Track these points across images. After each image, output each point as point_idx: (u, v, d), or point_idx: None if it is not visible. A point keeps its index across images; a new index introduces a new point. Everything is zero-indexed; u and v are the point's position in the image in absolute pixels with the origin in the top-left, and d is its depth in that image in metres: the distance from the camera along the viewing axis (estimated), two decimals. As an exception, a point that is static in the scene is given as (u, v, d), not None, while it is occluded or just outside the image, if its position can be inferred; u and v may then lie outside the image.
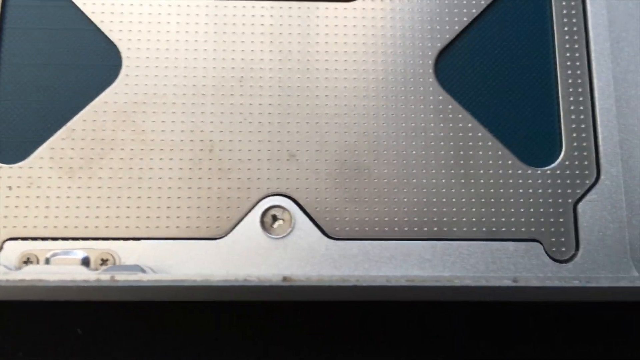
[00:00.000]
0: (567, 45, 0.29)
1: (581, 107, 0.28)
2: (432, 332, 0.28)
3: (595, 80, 0.28)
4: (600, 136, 0.28)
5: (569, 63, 0.29)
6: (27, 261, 0.26)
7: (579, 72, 0.29)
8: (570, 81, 0.29)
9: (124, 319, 0.28)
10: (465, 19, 0.29)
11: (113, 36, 0.28)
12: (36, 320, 0.28)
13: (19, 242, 0.26)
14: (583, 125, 0.28)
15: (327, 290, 0.24)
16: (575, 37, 0.29)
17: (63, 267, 0.26)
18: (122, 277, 0.24)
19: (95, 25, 0.29)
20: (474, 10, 0.29)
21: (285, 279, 0.24)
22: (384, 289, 0.24)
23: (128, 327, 0.28)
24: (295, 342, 0.28)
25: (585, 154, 0.28)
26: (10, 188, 0.27)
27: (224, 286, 0.24)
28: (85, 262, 0.26)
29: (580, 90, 0.28)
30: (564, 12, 0.29)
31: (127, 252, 0.27)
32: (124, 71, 0.28)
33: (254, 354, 0.28)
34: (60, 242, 0.27)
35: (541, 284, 0.24)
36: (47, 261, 0.26)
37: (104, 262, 0.26)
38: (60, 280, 0.23)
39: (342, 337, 0.28)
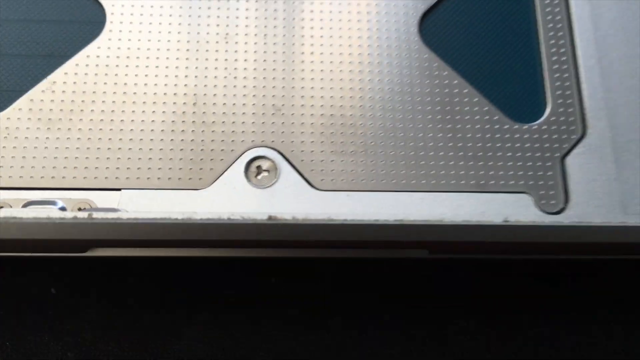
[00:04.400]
0: (548, 9, 0.29)
1: (565, 66, 0.29)
2: (423, 286, 0.27)
3: (577, 41, 0.29)
4: (584, 93, 0.28)
5: (550, 25, 0.29)
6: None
7: (561, 33, 0.29)
8: (552, 42, 0.29)
9: (99, 276, 0.27)
10: (448, -17, 0.30)
11: (98, -6, 0.29)
12: (6, 279, 0.26)
13: (-7, 191, 0.25)
14: (567, 83, 0.28)
15: (314, 229, 0.23)
16: (556, 1, 0.30)
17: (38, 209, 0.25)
18: (100, 215, 0.23)
19: (80, -16, 0.29)
20: (456, -25, 0.30)
21: (270, 217, 0.23)
22: (373, 228, 0.23)
23: (103, 286, 0.27)
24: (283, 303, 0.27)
25: (570, 110, 0.28)
26: (-15, 138, 0.26)
27: (208, 224, 0.23)
28: (62, 210, 0.25)
29: (562, 50, 0.29)
30: (544, -22, 0.30)
31: (105, 202, 0.26)
32: (107, 27, 0.28)
33: (239, 311, 0.27)
34: (37, 192, 0.26)
35: (532, 223, 0.23)
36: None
37: (81, 210, 0.25)
38: (35, 217, 0.22)
39: (330, 293, 0.27)
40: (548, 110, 0.28)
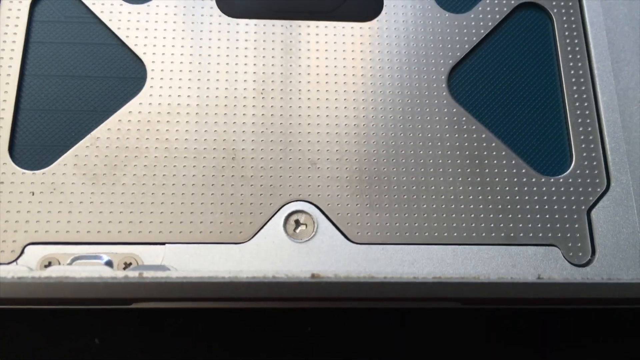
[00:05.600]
0: (571, 64, 0.31)
1: (588, 120, 0.30)
2: (456, 337, 0.28)
3: (599, 95, 0.30)
4: (608, 146, 0.29)
5: (573, 80, 0.30)
6: (49, 265, 0.26)
7: (583, 87, 0.30)
8: (576, 96, 0.30)
9: (143, 328, 0.27)
10: (474, 38, 0.31)
11: (138, 51, 0.29)
12: (52, 329, 0.27)
13: (41, 246, 0.26)
14: (591, 137, 0.29)
15: (356, 287, 0.24)
16: (578, 56, 0.31)
17: (88, 267, 0.26)
18: (150, 274, 0.23)
19: (121, 41, 0.30)
20: (482, 31, 0.31)
21: (314, 275, 0.24)
22: (412, 285, 0.24)
23: (146, 336, 0.27)
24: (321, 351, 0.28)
25: (595, 163, 0.29)
26: (32, 194, 0.27)
27: (253, 282, 0.23)
28: (109, 265, 0.26)
29: (586, 104, 0.30)
30: (566, 33, 0.31)
31: (150, 256, 0.26)
32: (148, 83, 0.29)
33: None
34: (83, 246, 0.26)
35: (565, 280, 0.24)
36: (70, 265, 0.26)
37: (127, 265, 0.26)
38: (87, 277, 0.23)
39: (366, 345, 0.28)
40: (573, 164, 0.29)
